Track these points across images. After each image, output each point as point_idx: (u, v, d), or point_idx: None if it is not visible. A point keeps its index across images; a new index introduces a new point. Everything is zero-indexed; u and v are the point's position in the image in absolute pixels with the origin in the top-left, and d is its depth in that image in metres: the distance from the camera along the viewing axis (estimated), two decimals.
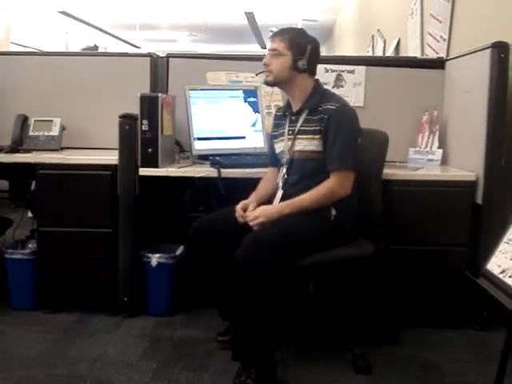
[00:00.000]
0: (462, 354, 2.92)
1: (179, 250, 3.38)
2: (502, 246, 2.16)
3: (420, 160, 3.45)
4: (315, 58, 2.75)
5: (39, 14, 14.09)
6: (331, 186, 2.59)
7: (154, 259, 3.24)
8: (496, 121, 2.97)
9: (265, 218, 2.58)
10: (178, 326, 3.17)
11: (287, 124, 2.79)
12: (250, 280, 2.43)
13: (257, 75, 3.11)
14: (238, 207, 2.74)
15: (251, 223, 2.60)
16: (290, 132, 2.76)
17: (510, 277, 2.01)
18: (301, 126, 2.71)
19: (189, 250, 2.83)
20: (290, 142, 2.75)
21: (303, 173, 2.70)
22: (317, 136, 2.64)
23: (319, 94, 2.73)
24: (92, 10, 14.01)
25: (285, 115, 2.84)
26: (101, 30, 16.79)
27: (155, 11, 13.95)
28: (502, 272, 2.07)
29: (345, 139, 2.60)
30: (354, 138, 2.65)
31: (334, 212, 2.63)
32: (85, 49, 7.43)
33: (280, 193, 2.77)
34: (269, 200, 2.80)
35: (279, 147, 2.84)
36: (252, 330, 2.51)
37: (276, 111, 3.00)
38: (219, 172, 3.05)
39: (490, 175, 3.01)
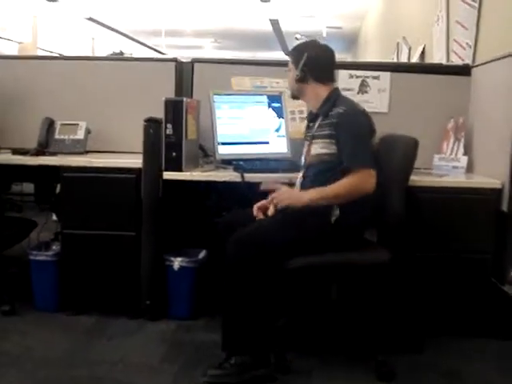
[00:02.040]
0: (486, 363, 2.88)
1: (202, 254, 3.38)
2: None
3: (445, 167, 3.42)
4: (315, 65, 2.78)
5: (66, 21, 14.27)
6: (354, 180, 2.58)
7: (177, 263, 3.25)
8: None
9: (289, 200, 2.66)
10: (200, 329, 3.17)
11: (307, 130, 2.91)
12: (234, 274, 2.55)
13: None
14: (255, 206, 2.81)
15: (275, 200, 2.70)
16: (308, 138, 2.85)
17: None
18: (315, 132, 2.78)
19: (217, 245, 2.87)
20: (307, 147, 2.84)
21: (317, 176, 2.73)
22: (328, 140, 2.69)
23: (332, 100, 2.77)
24: (118, 16, 14.15)
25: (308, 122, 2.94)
26: (126, 36, 16.96)
27: (180, 18, 14.05)
28: None
29: (356, 140, 2.63)
30: (363, 137, 2.66)
31: (337, 212, 2.63)
32: (111, 55, 7.49)
33: None
34: None
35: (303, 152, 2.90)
36: (236, 320, 2.61)
37: (305, 118, 3.05)
38: (242, 176, 3.05)
39: None
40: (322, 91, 2.80)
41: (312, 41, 2.92)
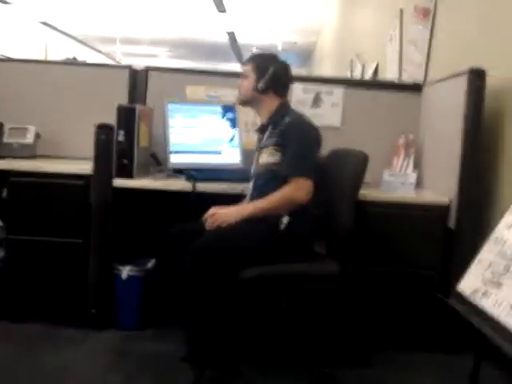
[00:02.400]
0: (433, 377, 2.91)
1: (150, 264, 3.35)
2: (473, 268, 2.17)
3: (394, 182, 3.45)
4: (279, 80, 2.85)
5: (19, 24, 14.03)
6: (287, 190, 2.64)
7: (125, 271, 3.21)
8: (470, 146, 3.00)
9: (228, 218, 2.65)
10: (146, 339, 3.12)
11: (257, 142, 2.95)
12: (192, 285, 2.53)
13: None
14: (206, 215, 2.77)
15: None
16: (257, 148, 2.90)
17: (480, 297, 2.03)
18: (265, 141, 2.83)
19: (165, 255, 2.85)
20: (256, 157, 2.88)
21: (264, 186, 2.75)
22: (275, 148, 2.74)
23: (282, 111, 2.83)
24: (73, 21, 14.00)
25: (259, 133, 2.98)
26: (81, 42, 16.78)
27: (136, 26, 13.98)
28: (472, 292, 2.08)
29: (298, 149, 2.68)
30: (307, 148, 2.72)
31: (285, 220, 2.65)
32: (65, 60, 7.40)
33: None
34: None
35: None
36: (202, 333, 2.57)
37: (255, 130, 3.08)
38: (194, 186, 3.04)
39: (462, 200, 3.02)
40: (275, 103, 2.85)
41: (274, 54, 2.95)
